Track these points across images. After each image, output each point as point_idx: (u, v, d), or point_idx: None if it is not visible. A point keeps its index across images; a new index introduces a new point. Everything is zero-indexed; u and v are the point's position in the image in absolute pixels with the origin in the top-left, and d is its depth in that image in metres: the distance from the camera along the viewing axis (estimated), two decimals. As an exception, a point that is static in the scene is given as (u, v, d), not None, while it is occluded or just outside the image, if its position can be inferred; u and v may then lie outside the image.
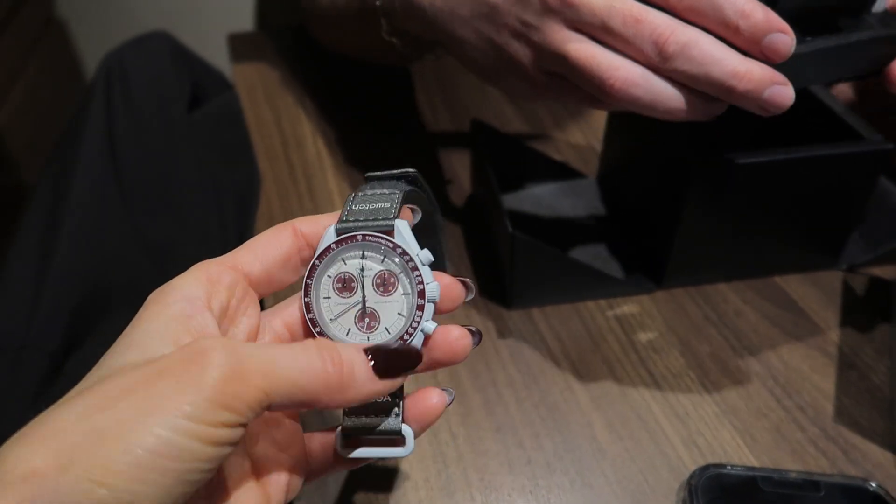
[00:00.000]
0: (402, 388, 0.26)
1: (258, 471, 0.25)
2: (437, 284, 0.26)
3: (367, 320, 0.26)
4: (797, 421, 0.36)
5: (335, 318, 0.26)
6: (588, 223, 0.48)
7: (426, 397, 0.27)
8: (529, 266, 0.40)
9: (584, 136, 0.57)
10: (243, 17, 0.91)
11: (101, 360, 0.22)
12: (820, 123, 0.42)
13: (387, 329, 0.26)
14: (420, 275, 0.26)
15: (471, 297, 0.27)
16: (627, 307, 0.42)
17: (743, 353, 0.40)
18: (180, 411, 0.19)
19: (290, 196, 0.52)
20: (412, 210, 0.29)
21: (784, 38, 0.31)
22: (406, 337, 0.26)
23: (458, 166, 0.54)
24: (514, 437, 0.36)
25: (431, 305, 0.26)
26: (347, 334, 0.26)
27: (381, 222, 0.26)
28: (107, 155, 0.51)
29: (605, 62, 0.32)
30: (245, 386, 0.20)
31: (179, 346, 0.21)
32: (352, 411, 0.27)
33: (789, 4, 0.34)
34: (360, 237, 0.26)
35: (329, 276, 0.26)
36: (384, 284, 0.26)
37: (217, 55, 0.72)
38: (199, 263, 0.25)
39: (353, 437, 0.27)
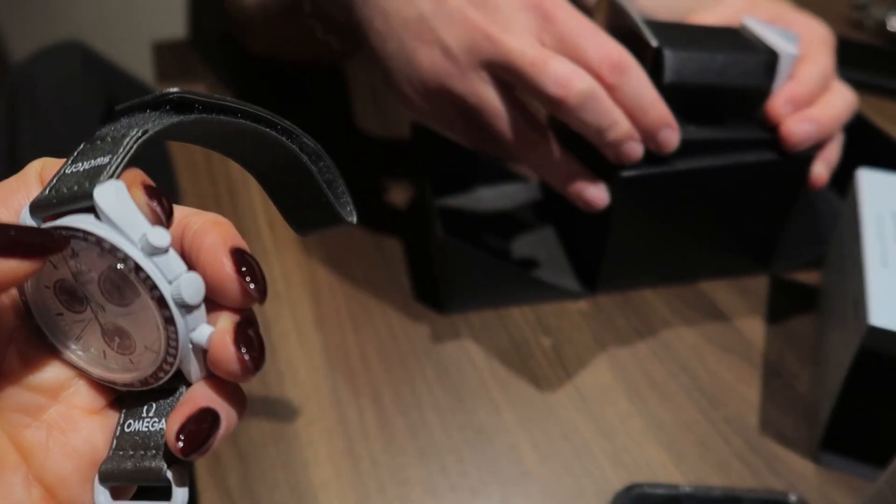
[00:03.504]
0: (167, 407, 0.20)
1: None
2: (191, 277, 0.18)
3: (117, 339, 0.20)
4: (722, 433, 0.36)
5: (80, 337, 0.20)
6: (528, 227, 0.48)
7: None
8: (459, 270, 0.40)
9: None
10: (174, 26, 0.88)
11: None
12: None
13: (147, 347, 0.19)
14: (148, 276, 0.18)
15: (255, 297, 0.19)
16: (556, 320, 0.42)
17: (670, 364, 0.39)
18: None
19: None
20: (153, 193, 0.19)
21: (675, 134, 0.36)
22: (170, 359, 0.19)
23: (397, 173, 0.52)
24: (439, 463, 0.35)
25: (183, 311, 0.18)
26: (105, 357, 0.20)
27: (77, 197, 0.18)
28: (6, 164, 0.49)
29: (504, 124, 0.36)
30: None
31: None
32: (118, 445, 0.20)
33: (683, 100, 0.37)
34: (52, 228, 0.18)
35: (47, 287, 0.19)
36: (117, 291, 0.19)
37: (145, 65, 0.69)
38: None
39: (117, 487, 0.20)
